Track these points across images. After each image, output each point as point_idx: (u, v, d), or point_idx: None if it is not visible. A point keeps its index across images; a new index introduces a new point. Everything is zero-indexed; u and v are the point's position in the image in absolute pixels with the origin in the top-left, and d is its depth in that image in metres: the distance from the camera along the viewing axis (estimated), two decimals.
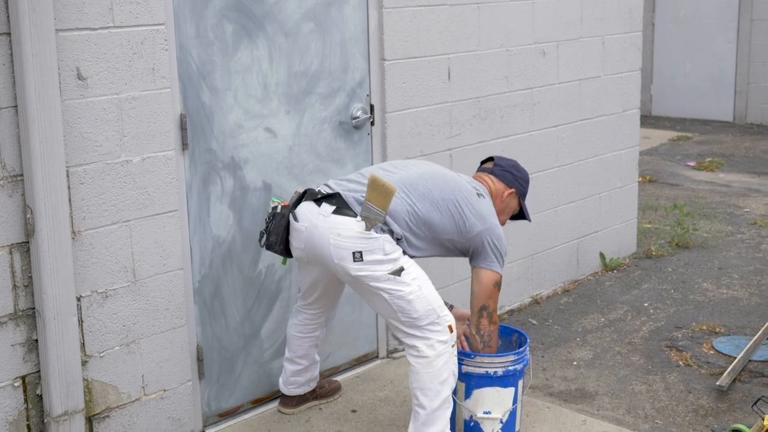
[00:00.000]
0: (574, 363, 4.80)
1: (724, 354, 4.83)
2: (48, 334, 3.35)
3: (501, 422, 3.79)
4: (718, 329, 5.18)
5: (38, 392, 3.45)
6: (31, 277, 3.37)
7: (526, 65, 5.29)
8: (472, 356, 3.74)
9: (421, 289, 3.53)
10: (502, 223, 3.94)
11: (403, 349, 3.96)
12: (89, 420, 3.59)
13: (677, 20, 12.66)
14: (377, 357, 4.77)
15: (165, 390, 3.82)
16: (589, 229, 6.00)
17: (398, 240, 3.58)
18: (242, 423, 4.14)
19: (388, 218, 3.54)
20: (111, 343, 3.61)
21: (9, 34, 3.19)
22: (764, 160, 9.92)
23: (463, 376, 3.76)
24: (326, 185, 3.71)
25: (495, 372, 3.73)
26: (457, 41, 4.84)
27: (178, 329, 3.82)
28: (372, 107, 4.50)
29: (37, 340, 3.41)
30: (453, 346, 3.57)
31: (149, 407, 3.77)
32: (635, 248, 6.50)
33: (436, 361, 3.52)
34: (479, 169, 4.04)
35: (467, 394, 3.78)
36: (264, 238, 3.75)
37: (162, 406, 3.81)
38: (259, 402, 4.27)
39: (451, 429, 3.80)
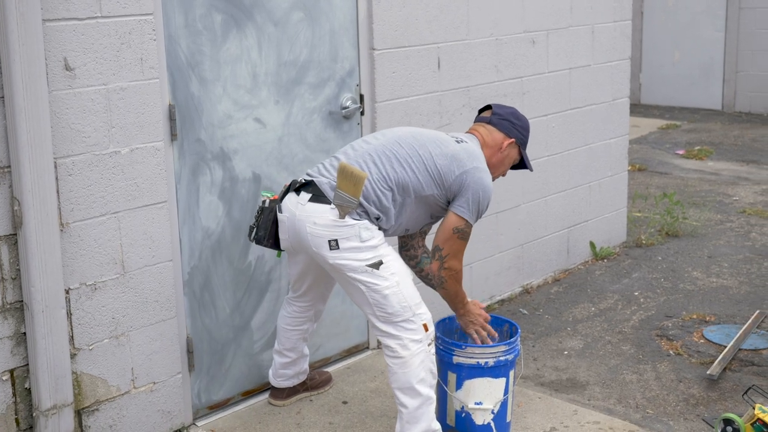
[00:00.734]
0: (565, 353, 4.80)
1: (714, 343, 4.83)
2: (36, 327, 3.33)
3: (492, 413, 3.78)
4: (708, 318, 5.19)
5: (27, 386, 3.43)
6: (18, 270, 3.34)
7: (516, 54, 5.27)
8: (463, 347, 3.73)
9: (399, 285, 3.49)
10: (503, 174, 3.86)
11: None
12: (78, 413, 3.56)
13: (666, 9, 12.66)
14: (368, 348, 4.76)
15: (155, 383, 3.80)
16: (580, 219, 6.00)
17: (378, 218, 3.52)
18: (233, 415, 4.13)
19: (362, 200, 3.48)
20: (100, 336, 3.59)
21: None
22: (753, 149, 9.94)
23: (454, 367, 3.75)
24: (307, 173, 3.67)
25: (486, 363, 3.72)
26: (446, 30, 4.82)
27: (167, 321, 3.80)
28: (362, 97, 4.48)
29: (25, 333, 3.39)
30: (429, 344, 3.53)
31: (139, 400, 3.75)
32: (625, 237, 6.50)
33: (411, 360, 3.49)
34: (476, 119, 3.93)
35: (458, 385, 3.77)
36: (253, 233, 3.73)
37: (152, 398, 3.79)
38: (249, 394, 4.26)
39: (442, 420, 3.80)
